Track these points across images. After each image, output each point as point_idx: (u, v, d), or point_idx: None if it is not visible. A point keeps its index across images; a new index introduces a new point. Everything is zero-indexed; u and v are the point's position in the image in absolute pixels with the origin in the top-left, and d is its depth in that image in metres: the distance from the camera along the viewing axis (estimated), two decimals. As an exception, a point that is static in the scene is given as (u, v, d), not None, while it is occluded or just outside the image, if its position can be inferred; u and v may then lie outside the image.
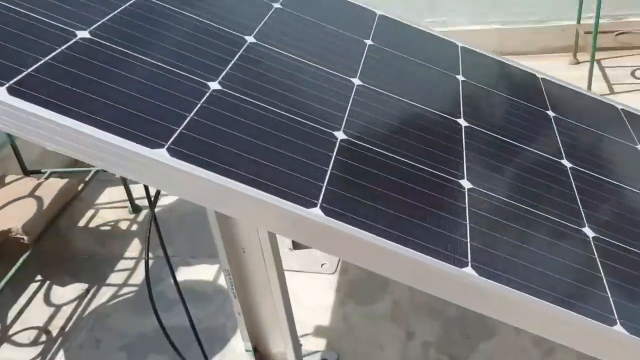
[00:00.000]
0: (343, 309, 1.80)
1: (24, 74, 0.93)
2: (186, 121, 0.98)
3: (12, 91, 0.89)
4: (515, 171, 1.24)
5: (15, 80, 0.91)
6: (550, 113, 1.55)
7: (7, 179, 2.15)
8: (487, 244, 1.01)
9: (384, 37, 1.58)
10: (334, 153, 1.07)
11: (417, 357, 1.63)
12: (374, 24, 1.64)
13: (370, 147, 1.12)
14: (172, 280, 1.99)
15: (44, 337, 1.86)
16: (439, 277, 0.93)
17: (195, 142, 0.95)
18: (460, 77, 1.54)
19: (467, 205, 1.08)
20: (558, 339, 0.93)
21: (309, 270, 1.96)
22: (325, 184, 0.99)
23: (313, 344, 1.72)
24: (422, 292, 1.83)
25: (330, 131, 1.12)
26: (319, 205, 0.94)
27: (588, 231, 1.12)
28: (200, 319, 1.83)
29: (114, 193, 2.49)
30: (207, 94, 1.07)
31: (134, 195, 2.37)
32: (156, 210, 1.31)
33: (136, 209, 2.37)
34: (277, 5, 1.50)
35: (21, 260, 1.88)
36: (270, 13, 1.46)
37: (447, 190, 1.10)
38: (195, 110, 1.01)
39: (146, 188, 1.36)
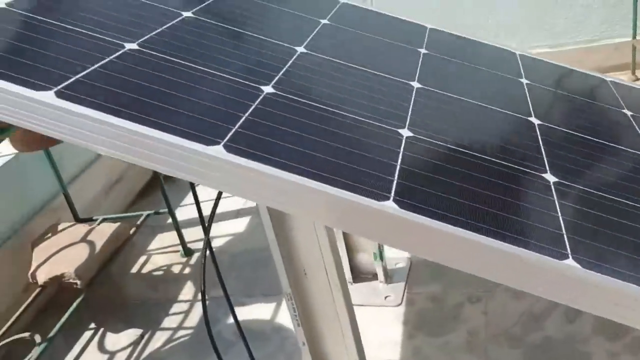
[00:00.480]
0: (413, 342, 1.66)
1: (72, 79, 0.89)
2: (241, 120, 0.91)
3: (60, 94, 0.84)
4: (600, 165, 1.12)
5: (63, 85, 0.86)
6: (627, 112, 1.43)
7: (60, 227, 2.13)
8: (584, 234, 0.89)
9: (438, 46, 1.51)
10: (401, 149, 0.98)
11: (501, 389, 1.47)
12: (425, 36, 1.57)
13: (437, 142, 1.03)
14: (227, 322, 1.90)
15: (99, 386, 1.77)
16: (538, 270, 0.81)
17: (253, 140, 0.88)
18: (525, 80, 1.44)
19: (555, 198, 0.97)
20: None
21: (372, 303, 1.83)
22: (396, 178, 0.90)
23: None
24: (499, 321, 1.69)
25: (394, 129, 1.03)
26: (391, 198, 0.85)
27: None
28: (260, 360, 1.72)
29: (166, 238, 2.44)
30: (261, 97, 1.00)
31: (186, 239, 2.31)
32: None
33: (188, 252, 2.31)
34: (324, 21, 1.45)
35: (74, 305, 1.82)
36: (318, 28, 1.41)
37: (530, 183, 0.99)
38: (250, 111, 0.95)
39: (202, 223, 1.30)
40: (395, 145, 0.99)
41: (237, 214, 2.51)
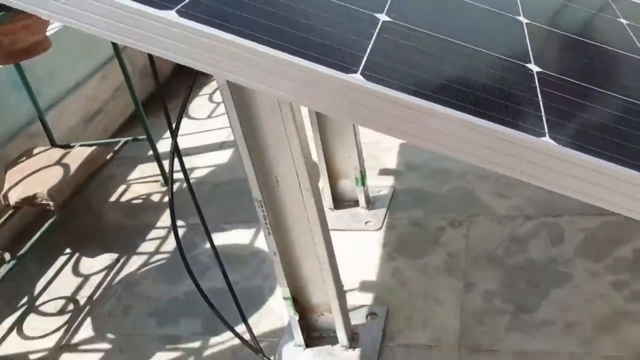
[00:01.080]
0: (392, 264, 1.62)
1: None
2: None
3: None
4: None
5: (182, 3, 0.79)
6: (622, 20, 1.36)
7: (35, 150, 2.06)
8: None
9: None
10: (376, 30, 0.91)
11: (479, 308, 1.43)
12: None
13: (415, 27, 0.96)
14: (205, 246, 1.86)
15: (71, 306, 1.74)
16: (516, 148, 0.75)
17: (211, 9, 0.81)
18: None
19: (537, 85, 0.91)
20: None
21: (352, 228, 1.79)
22: (366, 55, 0.83)
23: (360, 299, 1.54)
24: (480, 244, 1.65)
25: (372, 13, 0.97)
26: (359, 71, 0.78)
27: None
28: (236, 281, 1.68)
29: (146, 169, 2.39)
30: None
31: (167, 169, 2.25)
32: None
33: (168, 182, 2.25)
34: None
35: (47, 225, 1.77)
36: None
37: (513, 70, 0.92)
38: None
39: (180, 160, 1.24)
40: (370, 27, 0.92)
41: (221, 146, 2.45)
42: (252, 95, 1.09)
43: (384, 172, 2.03)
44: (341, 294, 1.35)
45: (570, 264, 1.49)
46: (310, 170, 1.18)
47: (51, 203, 1.81)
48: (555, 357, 1.27)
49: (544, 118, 0.81)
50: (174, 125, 1.19)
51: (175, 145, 1.22)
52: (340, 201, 1.90)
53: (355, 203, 1.87)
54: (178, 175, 2.27)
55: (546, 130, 0.78)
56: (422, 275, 1.57)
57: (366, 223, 1.79)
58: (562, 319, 1.36)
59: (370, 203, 1.85)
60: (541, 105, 0.84)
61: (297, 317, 1.37)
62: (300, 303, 1.40)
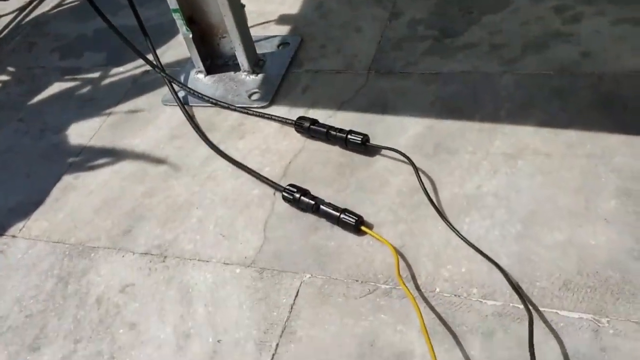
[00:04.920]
0: (317, -2, 1.44)
1: None
2: None
3: None
4: None
5: None
6: None
7: None
8: None
9: None
10: None
11: (400, 35, 1.27)
12: None
13: None
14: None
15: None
16: None
17: None
18: None
19: None
20: None
21: None
22: None
23: (275, 31, 1.38)
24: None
25: None
26: None
27: None
28: (149, 18, 1.52)
29: None
30: None
31: None
32: None
33: None
34: None
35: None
36: None
37: None
38: None
39: None
40: None
41: None
42: None
43: None
44: (238, 12, 1.18)
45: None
46: None
47: None
48: (469, 76, 1.13)
49: None
50: None
51: None
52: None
53: None
54: None
55: None
56: (348, 6, 1.39)
57: None
58: (489, 41, 1.19)
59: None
60: None
61: (190, 35, 1.22)
62: (197, 23, 1.24)
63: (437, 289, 0.83)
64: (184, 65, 1.36)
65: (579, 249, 0.83)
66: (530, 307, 0.76)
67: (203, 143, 1.15)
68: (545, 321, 0.76)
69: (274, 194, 1.02)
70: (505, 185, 0.94)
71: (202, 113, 1.23)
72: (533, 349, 0.70)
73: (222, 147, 1.13)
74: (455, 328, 0.78)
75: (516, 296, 0.79)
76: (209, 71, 1.31)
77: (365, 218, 0.93)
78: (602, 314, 0.75)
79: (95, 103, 1.33)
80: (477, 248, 0.85)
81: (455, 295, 0.81)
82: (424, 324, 0.75)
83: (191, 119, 1.21)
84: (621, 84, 1.04)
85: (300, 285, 0.87)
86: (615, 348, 0.72)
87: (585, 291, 0.78)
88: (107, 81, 1.39)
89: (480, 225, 0.89)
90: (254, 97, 1.23)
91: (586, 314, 0.75)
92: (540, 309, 0.77)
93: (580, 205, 0.88)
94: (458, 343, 0.76)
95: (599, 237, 0.83)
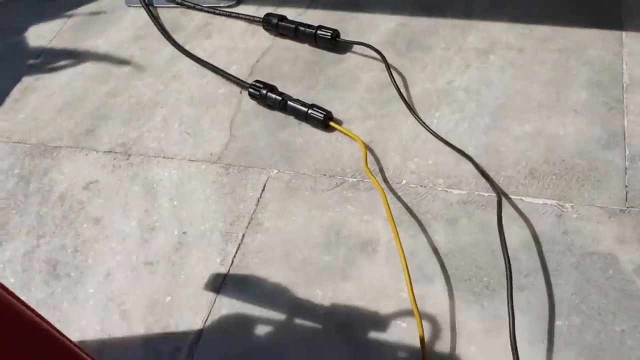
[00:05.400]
0: None
1: None
2: None
3: None
4: None
5: None
6: None
7: None
8: None
9: None
10: None
11: None
12: None
13: None
14: None
15: None
16: None
17: None
18: None
19: None
20: None
21: None
22: None
23: None
24: None
25: None
26: None
27: None
28: None
29: None
30: None
31: None
32: None
33: None
34: None
35: None
36: None
37: None
38: None
39: None
40: None
41: None
42: None
43: None
44: None
45: None
46: None
47: None
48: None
49: None
50: None
51: None
52: None
53: None
54: None
55: None
56: None
57: None
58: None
59: None
60: None
61: None
62: None
63: (404, 181, 0.82)
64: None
65: (547, 140, 0.82)
66: (496, 191, 0.76)
67: (168, 43, 1.11)
68: (509, 207, 0.76)
69: (241, 92, 0.99)
70: (476, 79, 0.92)
71: (168, 14, 1.18)
72: (502, 226, 0.70)
73: (187, 47, 1.09)
74: (421, 216, 0.78)
75: (481, 184, 0.79)
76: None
77: (335, 115, 0.91)
78: (567, 199, 0.75)
79: (55, 4, 1.27)
80: (444, 140, 0.84)
81: (422, 186, 0.81)
82: (390, 211, 0.75)
83: (156, 19, 1.16)
84: (598, -21, 1.01)
85: (267, 180, 0.86)
86: (577, 231, 0.72)
87: (551, 178, 0.78)
88: (67, -18, 1.32)
89: (449, 119, 0.88)
90: (221, -4, 1.17)
91: (550, 200, 0.76)
92: (505, 196, 0.77)
93: (551, 97, 0.87)
94: (423, 230, 0.76)
95: (568, 127, 0.83)
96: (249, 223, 0.82)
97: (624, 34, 0.93)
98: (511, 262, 0.68)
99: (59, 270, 0.81)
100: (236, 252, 0.78)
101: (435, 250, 0.74)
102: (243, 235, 0.80)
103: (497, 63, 0.93)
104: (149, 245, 0.82)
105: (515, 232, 0.73)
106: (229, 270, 0.77)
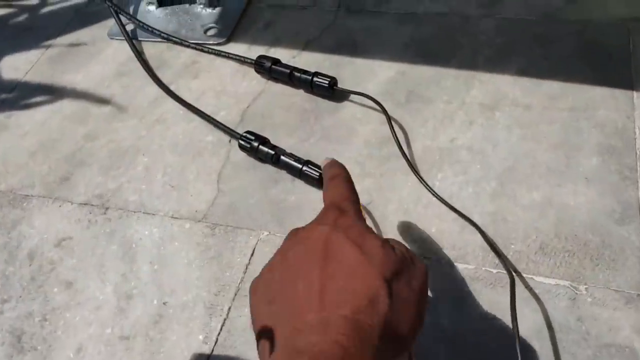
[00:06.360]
0: None
1: None
2: None
3: None
4: None
5: None
6: None
7: None
8: None
9: None
10: None
11: (373, -30, 1.16)
12: None
13: None
14: None
15: None
16: None
17: None
18: None
19: None
20: None
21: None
22: None
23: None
24: None
25: None
26: None
27: None
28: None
29: None
30: None
31: None
32: None
33: None
34: None
35: None
36: None
37: None
38: None
39: None
40: None
41: None
42: None
43: None
44: None
45: None
46: None
47: None
48: (446, 18, 1.04)
49: None
50: None
51: None
52: None
53: None
54: None
55: None
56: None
57: None
58: (468, -19, 1.10)
59: None
60: None
61: (139, -41, 1.09)
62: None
63: (405, 250, 0.76)
64: (133, -7, 1.22)
65: (557, 210, 0.77)
66: (508, 270, 0.71)
67: (152, 82, 1.04)
68: (520, 286, 0.70)
69: (230, 141, 0.93)
70: (481, 138, 0.87)
71: (152, 49, 1.11)
72: (515, 312, 0.65)
73: (173, 87, 1.02)
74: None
75: (489, 259, 0.73)
76: (161, 3, 1.18)
77: (330, 170, 0.85)
78: (580, 280, 0.70)
79: (32, 33, 1.20)
80: (451, 206, 0.78)
81: (425, 257, 0.75)
82: (390, 288, 0.69)
83: (139, 55, 1.09)
84: (606, 33, 0.97)
85: (257, 243, 0.79)
86: (592, 317, 0.67)
87: (563, 256, 0.73)
88: (46, 9, 1.24)
89: (453, 181, 0.82)
90: (210, 32, 1.11)
91: (563, 280, 0.70)
92: (517, 274, 0.72)
93: (561, 162, 0.82)
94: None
95: (579, 197, 0.78)
96: (235, 294, 0.75)
97: (635, 94, 0.88)
98: (523, 352, 0.62)
99: (24, 343, 0.74)
100: (221, 329, 0.72)
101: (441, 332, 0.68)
102: (229, 309, 0.73)
103: (502, 121, 0.88)
104: (125, 316, 0.75)
105: (527, 316, 0.68)
106: (212, 350, 0.70)
